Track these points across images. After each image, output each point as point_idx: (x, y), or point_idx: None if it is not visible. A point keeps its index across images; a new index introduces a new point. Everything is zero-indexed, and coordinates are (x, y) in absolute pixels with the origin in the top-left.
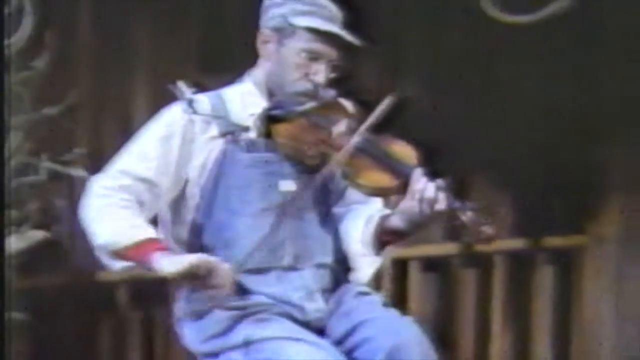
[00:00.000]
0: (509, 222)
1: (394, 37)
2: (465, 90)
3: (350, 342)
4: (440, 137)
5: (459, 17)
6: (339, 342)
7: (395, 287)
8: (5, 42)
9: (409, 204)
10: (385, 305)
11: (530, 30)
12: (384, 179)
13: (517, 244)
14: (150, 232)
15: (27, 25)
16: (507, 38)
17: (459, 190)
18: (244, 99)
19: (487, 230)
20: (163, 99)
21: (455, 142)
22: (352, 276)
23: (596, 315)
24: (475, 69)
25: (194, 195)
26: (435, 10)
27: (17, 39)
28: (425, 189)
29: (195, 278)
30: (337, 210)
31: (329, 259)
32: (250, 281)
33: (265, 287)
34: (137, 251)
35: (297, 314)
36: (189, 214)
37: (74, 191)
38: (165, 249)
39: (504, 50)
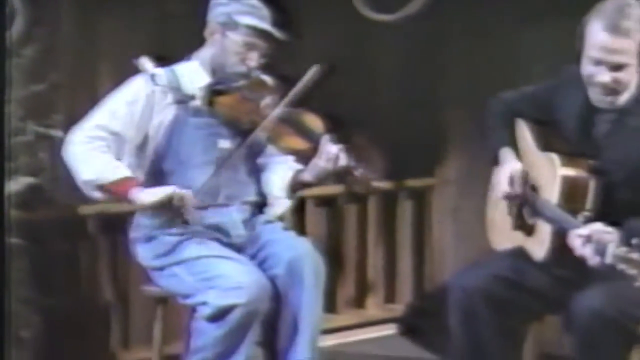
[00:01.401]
0: (381, 169)
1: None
2: (348, 70)
3: (260, 257)
4: (331, 106)
5: (341, 14)
6: (252, 257)
7: (297, 218)
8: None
9: (318, 163)
10: (286, 229)
11: (393, 24)
12: (298, 143)
13: (385, 185)
14: (128, 172)
15: (19, 23)
16: (378, 29)
17: (346, 143)
18: (192, 75)
19: (372, 183)
20: (121, 79)
21: (342, 110)
22: (269, 211)
23: (441, 236)
24: (356, 54)
25: (151, 148)
26: (322, 7)
27: (12, 34)
28: (330, 152)
29: (167, 205)
30: (260, 160)
31: (252, 197)
32: (195, 213)
33: (202, 219)
34: (118, 186)
35: (224, 238)
36: (148, 162)
37: (54, 147)
38: (140, 185)
39: (377, 40)
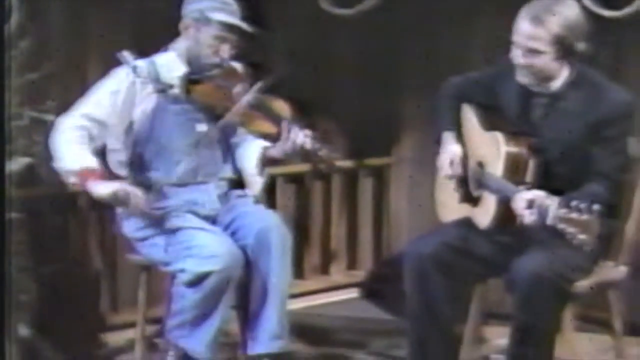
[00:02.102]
0: (343, 149)
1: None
2: (312, 60)
3: (232, 228)
4: (297, 93)
5: (305, 9)
6: (225, 228)
7: (268, 194)
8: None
9: (285, 144)
10: (256, 202)
11: (352, 18)
12: (267, 127)
13: (347, 163)
14: (92, 163)
15: (15, 19)
16: (339, 22)
17: (311, 127)
18: (170, 65)
19: (336, 163)
20: (108, 68)
21: (306, 96)
22: (248, 189)
23: (398, 209)
24: (319, 45)
25: (135, 132)
26: (288, 3)
27: (9, 28)
28: (297, 136)
29: (117, 200)
30: (233, 140)
31: (228, 174)
32: (172, 191)
33: (182, 195)
34: (80, 174)
35: (199, 210)
36: (132, 145)
37: (48, 130)
38: (100, 177)
39: (338, 32)
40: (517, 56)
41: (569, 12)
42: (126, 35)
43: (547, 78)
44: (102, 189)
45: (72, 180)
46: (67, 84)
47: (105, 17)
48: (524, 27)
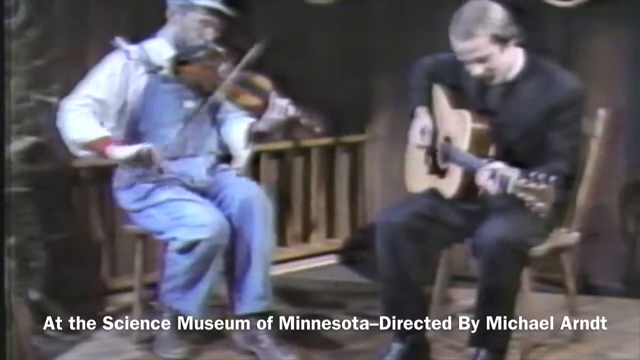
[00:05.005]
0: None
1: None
2: (291, 45)
3: (218, 199)
4: (279, 75)
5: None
6: (212, 199)
7: (253, 169)
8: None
9: (270, 115)
10: (239, 175)
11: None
12: (252, 100)
13: (325, 141)
14: (107, 133)
15: (23, 10)
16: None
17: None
18: (159, 49)
19: (316, 129)
20: (106, 55)
21: (287, 78)
22: (234, 162)
23: (372, 183)
24: (298, 31)
25: (129, 111)
26: None
27: (17, 19)
28: (281, 104)
29: (138, 160)
30: (218, 116)
31: (214, 148)
32: (164, 164)
33: (173, 167)
34: (98, 144)
35: (189, 183)
36: (127, 124)
37: (52, 112)
38: (117, 143)
39: (315, 19)
40: (474, 69)
41: (491, 15)
42: (122, 24)
43: (504, 72)
44: (125, 151)
45: (87, 151)
46: (69, 70)
47: (104, 8)
48: (461, 46)
